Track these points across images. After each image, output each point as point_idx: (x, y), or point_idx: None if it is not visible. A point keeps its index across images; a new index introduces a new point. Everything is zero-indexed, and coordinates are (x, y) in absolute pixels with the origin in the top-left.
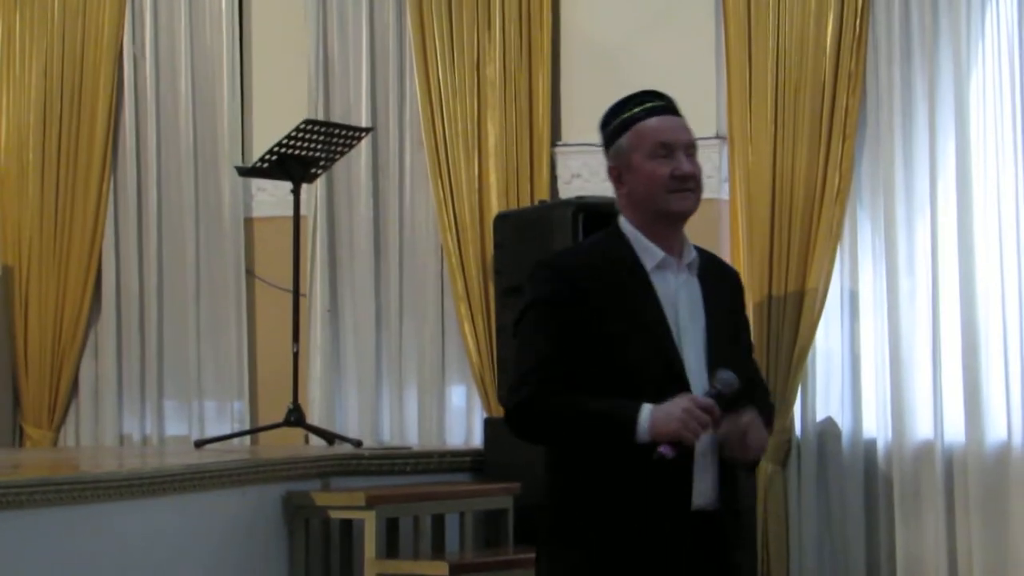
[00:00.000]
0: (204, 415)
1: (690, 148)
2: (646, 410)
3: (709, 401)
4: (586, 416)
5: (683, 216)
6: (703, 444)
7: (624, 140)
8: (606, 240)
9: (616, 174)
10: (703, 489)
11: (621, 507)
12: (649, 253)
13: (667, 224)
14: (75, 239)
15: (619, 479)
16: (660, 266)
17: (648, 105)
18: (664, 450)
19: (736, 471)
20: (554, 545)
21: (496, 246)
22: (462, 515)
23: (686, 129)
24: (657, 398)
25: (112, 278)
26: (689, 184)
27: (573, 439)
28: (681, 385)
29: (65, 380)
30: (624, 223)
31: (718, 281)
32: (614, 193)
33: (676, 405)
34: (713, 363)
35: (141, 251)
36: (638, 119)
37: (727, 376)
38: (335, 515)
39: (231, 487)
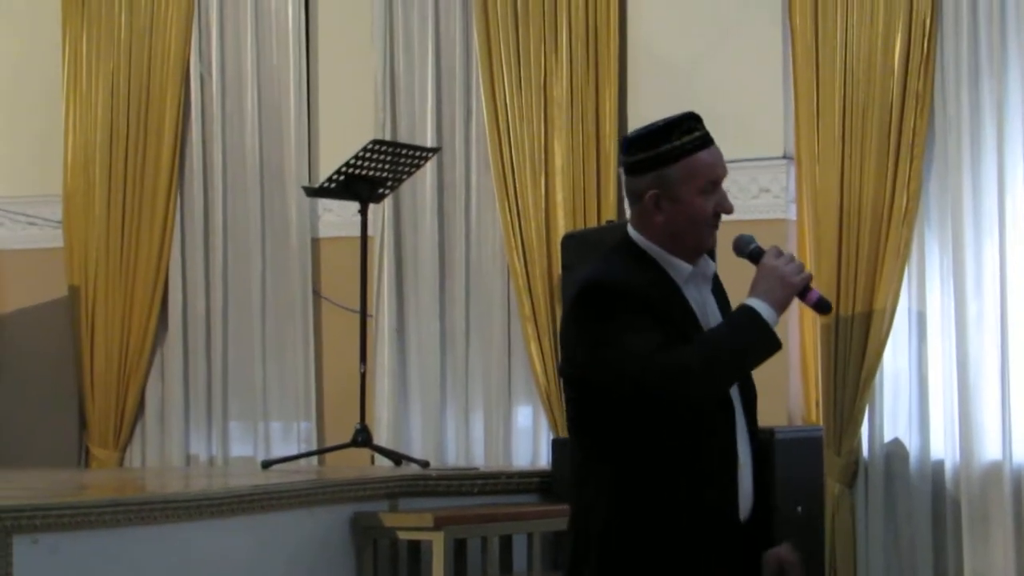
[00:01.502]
0: (270, 436)
1: (724, 180)
2: (755, 300)
3: (777, 249)
4: (727, 346)
5: (711, 249)
6: (742, 456)
7: (674, 171)
8: (628, 258)
9: (655, 201)
10: (744, 504)
11: (674, 523)
12: (676, 269)
13: (697, 254)
14: (141, 259)
15: (662, 513)
16: (688, 280)
17: (697, 136)
18: (816, 294)
19: (765, 478)
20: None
21: (564, 267)
22: (530, 536)
23: (723, 158)
24: (703, 420)
25: (178, 298)
26: (720, 219)
27: (734, 373)
28: (726, 403)
29: (131, 401)
30: (641, 240)
31: (717, 286)
32: (635, 211)
33: (770, 273)
34: None
35: (207, 271)
36: (690, 150)
37: (743, 239)
38: (403, 536)
39: (299, 508)
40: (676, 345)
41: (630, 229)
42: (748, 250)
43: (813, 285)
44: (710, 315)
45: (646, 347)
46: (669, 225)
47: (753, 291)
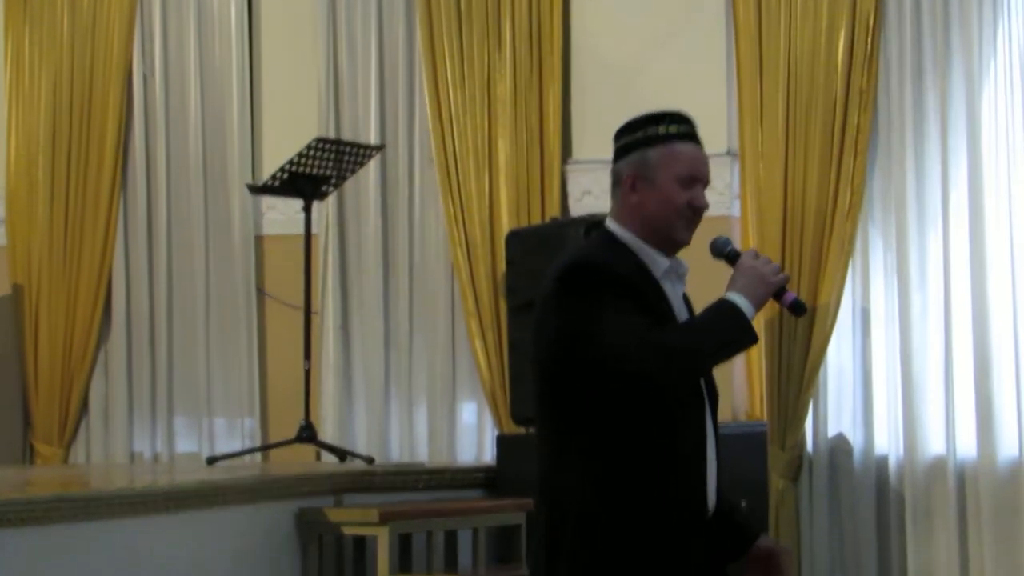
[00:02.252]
0: (214, 432)
1: (707, 182)
2: (734, 295)
3: (754, 251)
4: (709, 337)
5: (681, 246)
6: (710, 451)
7: (654, 154)
8: (607, 247)
9: (632, 182)
10: (711, 499)
11: (646, 529)
12: (655, 262)
13: (668, 246)
14: (85, 257)
15: (642, 501)
16: (665, 275)
17: (684, 128)
18: (791, 296)
19: (723, 477)
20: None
21: (508, 263)
22: (475, 531)
23: (707, 164)
24: (679, 411)
25: (122, 296)
26: (698, 217)
27: (712, 361)
28: (697, 396)
29: (75, 398)
30: (618, 230)
31: (680, 282)
32: (615, 195)
33: (749, 271)
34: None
35: (151, 269)
36: (673, 139)
37: (720, 241)
38: (348, 531)
39: (244, 504)
40: (660, 328)
41: (608, 221)
42: (726, 251)
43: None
44: (681, 315)
45: (631, 327)
46: (643, 208)
47: (732, 287)
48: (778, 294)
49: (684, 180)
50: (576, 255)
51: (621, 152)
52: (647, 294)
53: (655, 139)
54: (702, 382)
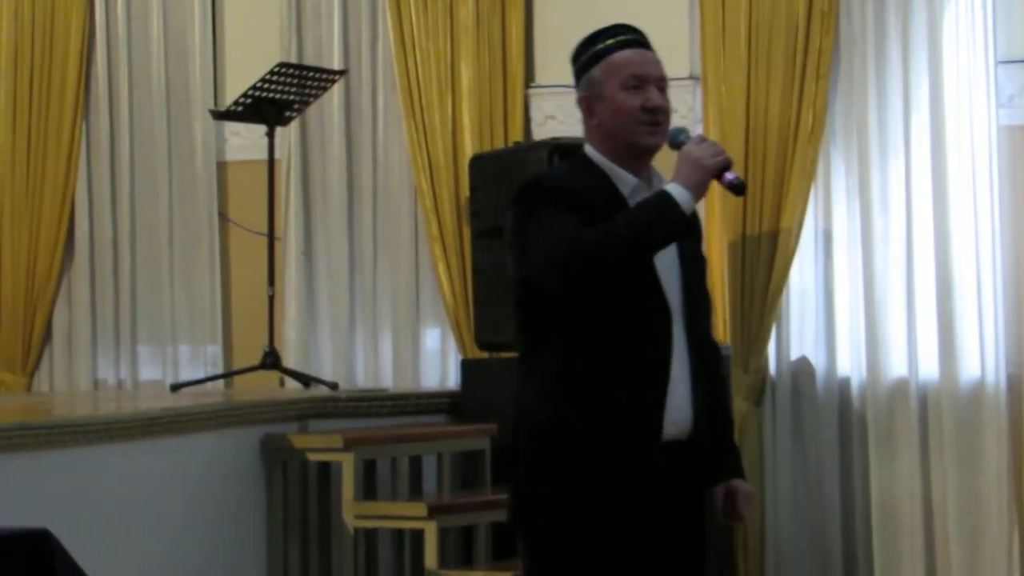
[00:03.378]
0: (178, 360)
1: (661, 82)
2: (670, 184)
3: (699, 136)
4: (630, 221)
5: (651, 150)
6: (678, 372)
7: (596, 71)
8: (579, 168)
9: (587, 105)
10: (677, 419)
11: (591, 441)
12: (623, 180)
13: (636, 156)
14: (47, 185)
15: (589, 412)
16: (633, 193)
17: (622, 38)
18: (731, 176)
19: (712, 399)
20: (525, 482)
21: (472, 188)
22: (439, 456)
23: (658, 64)
24: (637, 315)
25: (85, 224)
26: (658, 116)
27: (633, 245)
28: (663, 310)
29: (38, 326)
30: (592, 152)
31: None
32: (583, 124)
33: (686, 158)
34: (687, 287)
35: (114, 196)
36: (612, 51)
37: (674, 131)
38: (313, 457)
39: (209, 430)
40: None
41: (585, 146)
42: (677, 141)
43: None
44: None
45: (553, 228)
46: (602, 127)
47: (673, 176)
48: (719, 175)
49: (630, 85)
50: (533, 175)
51: (576, 80)
52: (600, 208)
53: (596, 57)
54: (675, 295)
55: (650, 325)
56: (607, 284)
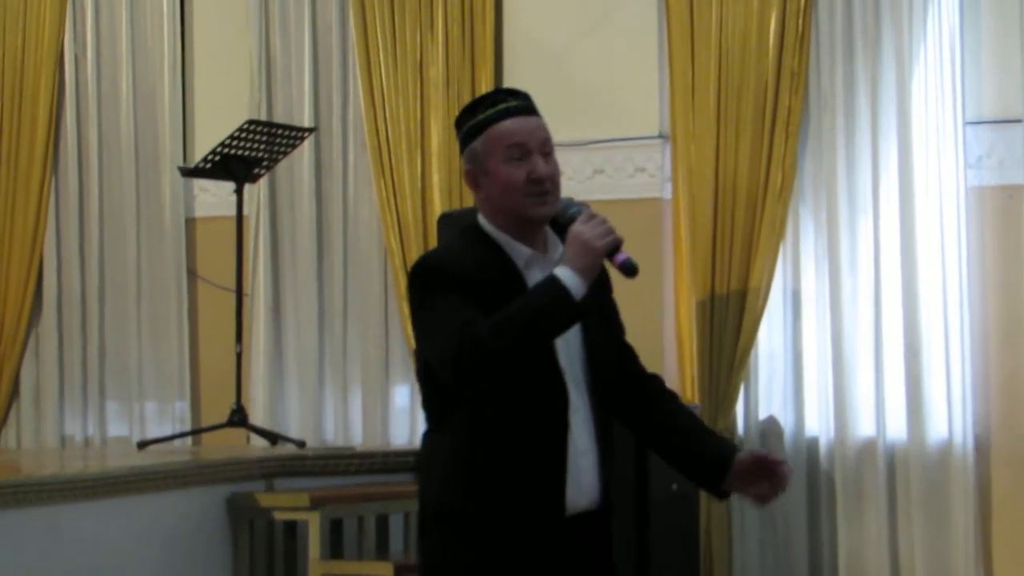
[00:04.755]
0: (145, 416)
1: (546, 146)
2: (560, 268)
3: (588, 213)
4: (521, 313)
5: (542, 221)
6: (582, 444)
7: (478, 144)
8: (472, 241)
9: (472, 178)
10: (583, 489)
11: (492, 522)
12: (517, 252)
13: (529, 226)
14: (16, 240)
15: (489, 495)
16: (528, 264)
17: (502, 106)
18: (622, 257)
19: (612, 467)
20: (428, 565)
21: (439, 245)
22: (406, 515)
23: (541, 128)
24: (533, 392)
25: (53, 279)
26: (546, 186)
27: (526, 339)
28: (558, 384)
29: (5, 382)
30: (485, 224)
31: (600, 283)
32: (473, 197)
33: (575, 239)
34: (589, 350)
35: (83, 252)
36: (492, 121)
37: (561, 203)
38: (279, 516)
39: (175, 489)
40: (478, 317)
41: (478, 216)
42: (566, 217)
43: (625, 250)
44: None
45: (445, 319)
46: (489, 201)
47: (567, 255)
48: (611, 256)
49: (513, 157)
50: (423, 255)
51: (461, 150)
52: (500, 287)
53: (477, 128)
54: (575, 363)
55: (546, 401)
56: (504, 371)
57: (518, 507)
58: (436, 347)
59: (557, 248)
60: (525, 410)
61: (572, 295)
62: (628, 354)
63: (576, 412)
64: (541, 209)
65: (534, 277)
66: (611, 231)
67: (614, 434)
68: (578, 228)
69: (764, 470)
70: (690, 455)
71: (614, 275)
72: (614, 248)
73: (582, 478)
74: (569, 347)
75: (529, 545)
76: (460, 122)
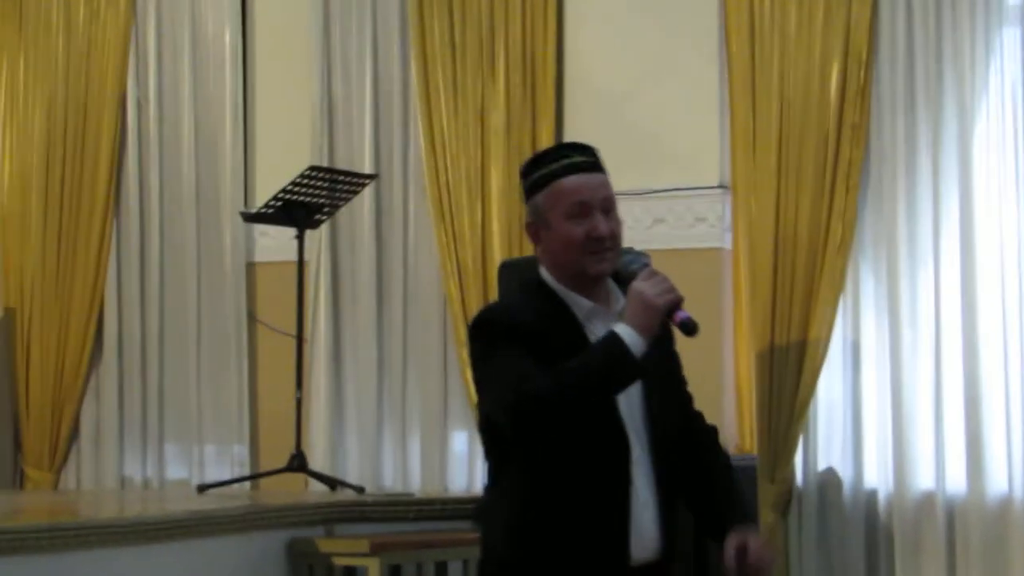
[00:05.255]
0: (204, 459)
1: (607, 204)
2: (620, 325)
3: (649, 271)
4: (580, 368)
5: (600, 277)
6: (644, 496)
7: (541, 198)
8: (533, 294)
9: (534, 231)
10: (645, 542)
11: (556, 568)
12: (577, 305)
13: (589, 282)
14: (77, 282)
15: (551, 548)
16: (588, 317)
17: (566, 162)
18: (683, 315)
19: (676, 517)
20: None
21: (500, 294)
22: (465, 563)
23: (604, 186)
24: (594, 445)
25: (114, 322)
26: (605, 244)
27: (584, 394)
28: (620, 437)
29: (66, 423)
30: (547, 276)
31: (663, 338)
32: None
33: (636, 297)
34: (651, 403)
35: (143, 295)
36: (556, 176)
37: (623, 261)
38: (339, 562)
39: (235, 533)
40: (538, 371)
41: (539, 268)
42: (627, 272)
43: (685, 307)
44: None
45: (510, 373)
46: (549, 255)
47: (628, 313)
48: (671, 314)
49: (575, 214)
50: (484, 308)
51: (525, 203)
52: (561, 341)
53: (540, 183)
54: (636, 415)
55: (607, 453)
56: (563, 424)
57: (581, 560)
58: (495, 398)
59: (619, 301)
60: (586, 462)
61: (632, 353)
62: (688, 404)
63: (637, 465)
64: (600, 266)
65: (595, 330)
66: (672, 289)
67: None
68: (639, 285)
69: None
70: (703, 510)
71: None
72: (674, 306)
73: (644, 530)
74: (631, 400)
75: None
76: (525, 173)
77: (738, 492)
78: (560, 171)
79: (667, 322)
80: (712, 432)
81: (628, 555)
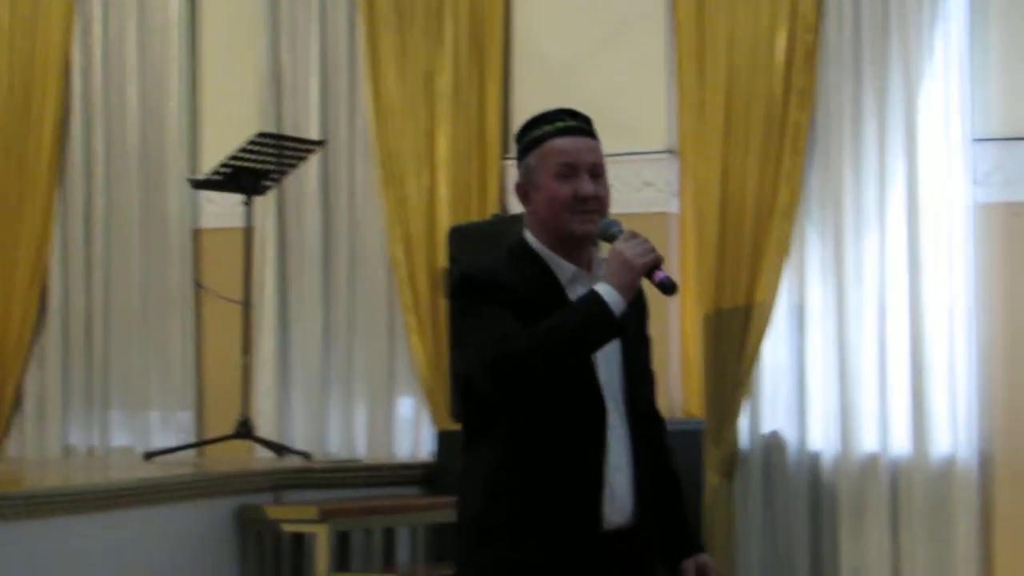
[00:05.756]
0: (150, 426)
1: (596, 169)
2: (600, 284)
3: (630, 232)
4: (559, 325)
5: (584, 239)
6: (617, 461)
7: (532, 158)
8: (517, 257)
9: (523, 191)
10: (619, 504)
11: (529, 536)
12: (561, 269)
13: (573, 244)
14: (21, 250)
15: (526, 508)
16: (572, 281)
17: (559, 124)
18: (662, 275)
19: (653, 484)
20: (473, 549)
21: (450, 259)
22: (413, 528)
23: (593, 151)
24: (571, 407)
25: (58, 289)
26: (591, 206)
27: (563, 351)
28: (597, 400)
29: (9, 392)
30: (531, 240)
31: (636, 303)
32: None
33: (616, 256)
34: (627, 375)
35: (88, 262)
36: (547, 137)
37: (603, 223)
38: (287, 528)
39: (183, 501)
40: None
41: (525, 232)
42: (607, 234)
43: (664, 268)
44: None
45: (489, 331)
46: (537, 214)
47: (608, 272)
48: (650, 274)
49: (562, 173)
50: (466, 266)
51: (518, 165)
52: (543, 301)
53: (533, 143)
54: (614, 381)
55: (584, 416)
56: (542, 381)
57: (555, 520)
58: (474, 355)
59: (601, 267)
60: (563, 424)
61: (611, 311)
62: (649, 386)
63: (612, 429)
64: (584, 227)
65: (577, 294)
66: (652, 249)
67: None
68: (619, 246)
69: None
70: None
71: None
72: (654, 266)
73: (617, 494)
74: (609, 365)
75: (566, 558)
76: (520, 136)
77: (686, 512)
78: (552, 132)
79: (646, 302)
80: (664, 430)
81: (601, 516)
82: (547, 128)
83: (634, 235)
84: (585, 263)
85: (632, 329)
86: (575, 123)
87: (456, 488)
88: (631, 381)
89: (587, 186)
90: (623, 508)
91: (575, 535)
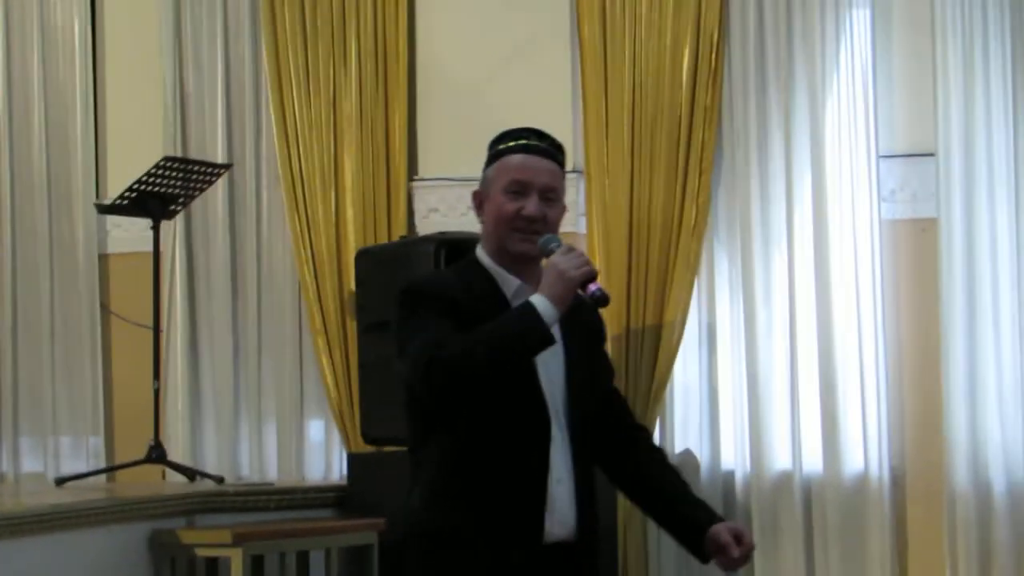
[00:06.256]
0: (60, 451)
1: (549, 192)
2: (534, 296)
3: (567, 247)
4: (492, 334)
5: (521, 257)
6: (558, 473)
7: (491, 170)
8: (465, 270)
9: (478, 201)
10: (561, 519)
11: (471, 546)
12: (507, 283)
13: (517, 259)
14: None
15: (469, 518)
16: (517, 294)
17: (523, 142)
18: (595, 288)
19: (594, 499)
20: (415, 557)
21: (358, 282)
22: (328, 551)
23: (551, 173)
24: (515, 419)
25: None
26: (535, 227)
27: (495, 360)
28: (541, 413)
29: None
30: (481, 254)
31: (575, 311)
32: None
33: (551, 269)
34: (572, 388)
35: None
36: (508, 152)
37: (544, 239)
38: (201, 553)
39: (96, 526)
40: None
41: (477, 244)
42: (546, 249)
43: (600, 282)
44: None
45: (428, 342)
46: (486, 226)
47: (544, 284)
48: (584, 287)
49: (512, 189)
50: (413, 276)
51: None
52: (474, 312)
53: (495, 156)
54: (558, 398)
55: (526, 428)
56: (484, 390)
57: (497, 530)
58: (411, 363)
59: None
60: (505, 435)
61: (543, 321)
62: (617, 401)
63: (555, 442)
64: (520, 245)
65: None
66: (587, 263)
67: None
68: (555, 259)
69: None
70: (675, 519)
71: None
72: (588, 279)
73: (558, 507)
74: (552, 379)
75: (507, 570)
76: (488, 147)
77: (686, 485)
78: (514, 148)
79: (602, 321)
80: (647, 432)
81: (542, 528)
82: (511, 143)
83: (571, 249)
84: (535, 278)
85: (579, 347)
86: (539, 143)
87: (405, 498)
88: (576, 398)
89: (532, 207)
90: (565, 522)
91: (516, 546)
